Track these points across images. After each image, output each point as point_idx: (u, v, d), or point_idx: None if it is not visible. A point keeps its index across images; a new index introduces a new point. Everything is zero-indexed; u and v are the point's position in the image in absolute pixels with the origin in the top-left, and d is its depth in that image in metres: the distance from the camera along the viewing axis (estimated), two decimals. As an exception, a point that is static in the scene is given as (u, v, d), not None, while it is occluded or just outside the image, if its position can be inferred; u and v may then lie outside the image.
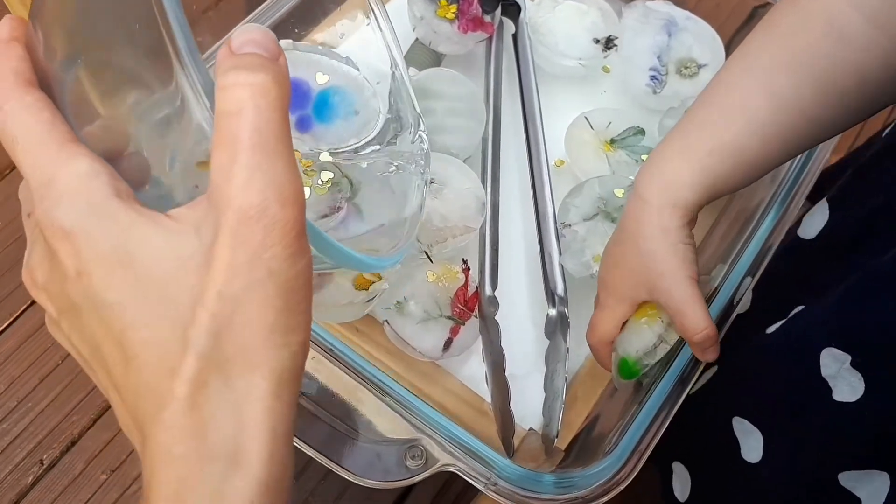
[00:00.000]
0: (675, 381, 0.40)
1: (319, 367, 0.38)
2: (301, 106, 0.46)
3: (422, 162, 0.43)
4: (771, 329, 0.41)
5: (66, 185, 0.19)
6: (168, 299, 0.19)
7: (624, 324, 0.40)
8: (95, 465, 0.76)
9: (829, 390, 0.36)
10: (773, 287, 0.45)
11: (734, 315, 0.42)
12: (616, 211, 0.46)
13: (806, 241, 0.45)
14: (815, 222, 0.44)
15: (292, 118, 0.46)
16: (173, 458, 0.19)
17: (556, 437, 0.42)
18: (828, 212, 0.44)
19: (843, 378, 0.35)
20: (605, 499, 0.37)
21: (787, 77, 0.34)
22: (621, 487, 0.37)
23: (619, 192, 0.46)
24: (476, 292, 0.45)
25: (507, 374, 0.43)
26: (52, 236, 0.20)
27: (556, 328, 0.45)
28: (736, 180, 0.37)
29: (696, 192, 0.36)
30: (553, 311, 0.45)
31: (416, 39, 0.55)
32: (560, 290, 0.46)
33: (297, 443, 0.37)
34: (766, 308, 0.44)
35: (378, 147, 0.45)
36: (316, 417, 0.38)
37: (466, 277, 0.45)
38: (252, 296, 0.19)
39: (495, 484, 0.36)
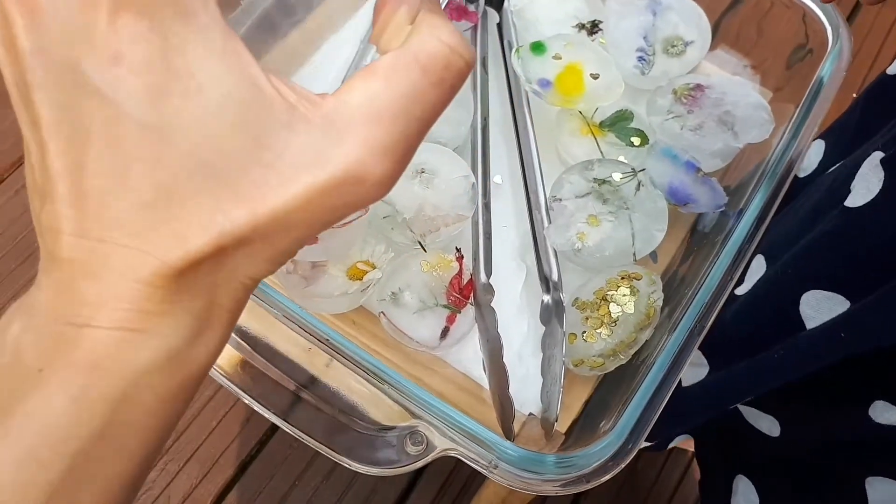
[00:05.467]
0: (672, 360, 0.40)
1: (315, 360, 0.38)
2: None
3: None
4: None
5: None
6: (216, 166, 0.17)
7: None
8: None
9: None
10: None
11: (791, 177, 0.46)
12: (609, 193, 0.46)
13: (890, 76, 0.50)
14: None
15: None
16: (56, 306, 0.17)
17: (556, 420, 0.42)
18: None
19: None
20: (607, 477, 0.37)
21: None
22: (622, 466, 0.37)
23: (618, 177, 0.46)
24: (471, 280, 0.45)
25: (504, 360, 0.43)
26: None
27: (552, 314, 0.45)
28: None
29: None
30: (548, 298, 0.45)
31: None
32: (555, 275, 0.46)
33: (302, 436, 0.37)
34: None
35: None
36: (318, 410, 0.38)
37: (460, 265, 0.45)
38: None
39: (496, 466, 0.36)
